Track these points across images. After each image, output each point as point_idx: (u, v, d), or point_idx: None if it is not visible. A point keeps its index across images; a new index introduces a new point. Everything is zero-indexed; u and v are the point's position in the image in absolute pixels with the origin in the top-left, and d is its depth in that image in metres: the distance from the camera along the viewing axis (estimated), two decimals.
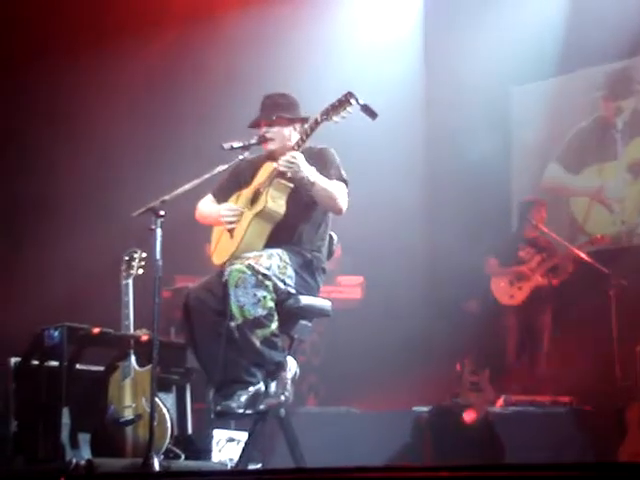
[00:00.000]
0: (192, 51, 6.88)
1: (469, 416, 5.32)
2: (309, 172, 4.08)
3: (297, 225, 4.19)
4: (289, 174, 4.08)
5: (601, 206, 7.24)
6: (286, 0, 6.83)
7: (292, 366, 4.10)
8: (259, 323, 3.96)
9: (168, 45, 6.68)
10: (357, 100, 3.99)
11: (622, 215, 7.12)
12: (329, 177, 4.16)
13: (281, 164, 4.08)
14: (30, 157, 6.63)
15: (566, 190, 7.44)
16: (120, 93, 6.73)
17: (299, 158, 4.07)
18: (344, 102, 3.99)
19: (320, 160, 4.19)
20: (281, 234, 4.14)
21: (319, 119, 4.07)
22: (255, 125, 4.33)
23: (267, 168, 4.22)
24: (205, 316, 4.08)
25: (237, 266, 3.98)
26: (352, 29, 7.05)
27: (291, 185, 4.15)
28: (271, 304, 3.98)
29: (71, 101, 6.67)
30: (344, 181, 4.21)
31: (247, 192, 4.25)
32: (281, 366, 4.05)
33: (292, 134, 4.25)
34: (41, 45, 6.56)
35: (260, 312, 3.95)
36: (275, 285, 4.01)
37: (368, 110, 4.01)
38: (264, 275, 3.97)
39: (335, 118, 4.02)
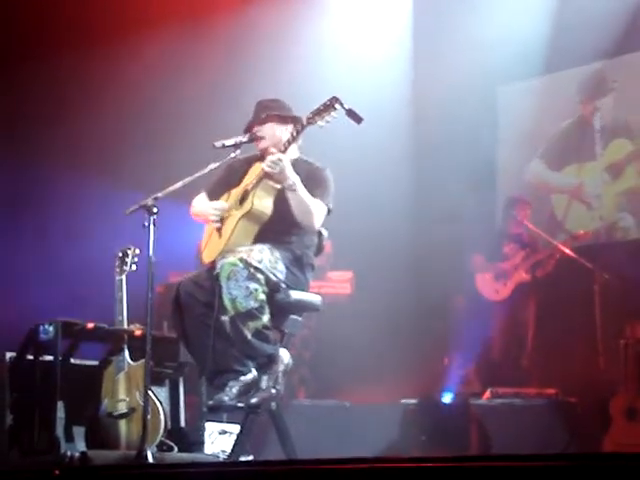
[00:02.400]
0: (184, 53, 6.90)
1: (448, 398, 5.39)
2: (293, 177, 4.10)
3: (286, 224, 4.22)
4: (274, 175, 4.12)
5: (580, 203, 7.33)
6: (274, 5, 6.86)
7: (284, 357, 4.15)
8: (251, 315, 4.01)
9: (162, 46, 6.70)
10: (342, 105, 4.04)
11: (600, 211, 7.22)
12: (313, 196, 4.18)
13: (266, 164, 4.11)
14: (27, 154, 6.66)
15: (547, 187, 7.52)
16: (111, 93, 6.75)
17: (284, 160, 4.10)
18: (329, 107, 4.05)
19: (311, 177, 4.22)
20: (270, 233, 4.19)
21: (305, 123, 4.12)
22: (248, 129, 4.37)
23: (256, 168, 4.26)
24: (194, 308, 4.14)
25: (229, 259, 4.04)
26: (341, 33, 7.08)
27: (278, 186, 4.18)
28: (263, 297, 4.03)
29: (66, 102, 6.70)
30: (327, 207, 4.22)
31: (236, 192, 4.30)
32: (272, 359, 4.10)
33: (283, 133, 4.29)
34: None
35: (252, 304, 4.00)
36: (267, 278, 4.06)
37: (353, 115, 4.07)
38: (256, 268, 4.02)
39: (320, 122, 4.08)
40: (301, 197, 4.13)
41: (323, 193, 4.22)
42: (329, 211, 4.24)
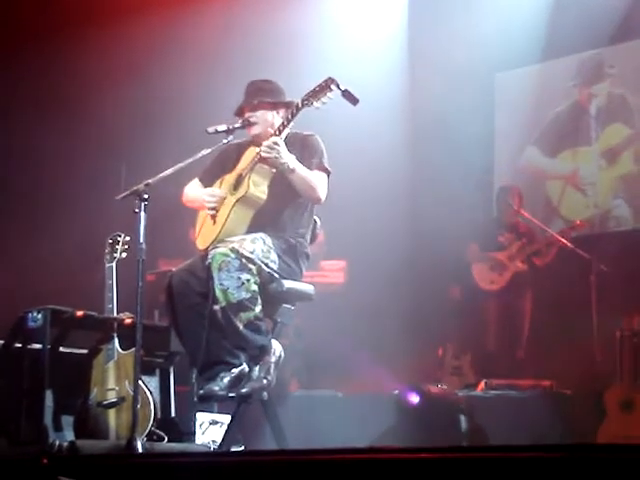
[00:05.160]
0: (177, 37, 6.86)
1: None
2: (289, 159, 4.09)
3: (280, 210, 4.20)
4: (271, 160, 4.09)
5: (575, 189, 7.31)
6: None
7: (277, 349, 4.12)
8: (243, 306, 3.98)
9: (154, 29, 6.65)
10: (338, 86, 4.00)
11: (595, 199, 7.20)
12: (310, 166, 4.17)
13: (262, 150, 4.09)
14: (16, 144, 6.63)
15: (542, 173, 7.50)
16: (104, 76, 6.71)
17: (280, 144, 4.08)
18: (324, 87, 4.01)
19: (304, 147, 4.22)
20: (264, 219, 4.16)
21: (300, 105, 4.09)
22: (239, 112, 4.34)
23: (250, 153, 4.23)
24: (188, 298, 4.11)
25: (221, 249, 4.00)
26: (339, 21, 7.05)
27: (273, 171, 4.16)
28: (255, 287, 4.00)
29: (57, 89, 6.65)
30: (326, 171, 4.22)
31: (230, 177, 4.27)
32: (265, 350, 4.07)
33: (275, 118, 4.27)
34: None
35: (244, 295, 3.97)
36: (259, 268, 4.03)
37: (349, 95, 4.02)
38: (248, 258, 3.99)
39: (316, 104, 4.05)
40: (301, 175, 4.13)
41: (320, 158, 4.23)
42: (329, 174, 4.23)
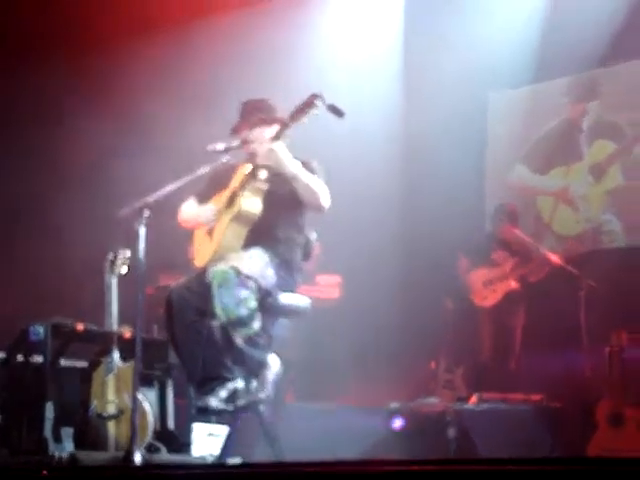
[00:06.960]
0: (175, 56, 6.93)
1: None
2: (291, 163, 4.14)
3: (274, 225, 4.26)
4: (271, 164, 4.14)
5: (566, 205, 7.37)
6: (266, 12, 6.88)
7: (274, 364, 4.19)
8: (242, 323, 4.04)
9: (154, 51, 6.71)
10: (323, 101, 4.05)
11: (587, 214, 7.26)
12: None
13: (261, 156, 4.15)
14: (22, 155, 6.66)
15: (532, 190, 7.55)
16: (105, 97, 6.76)
17: (276, 148, 4.12)
18: (309, 104, 4.06)
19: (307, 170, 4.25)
20: (259, 235, 4.22)
21: (287, 122, 4.15)
22: (236, 130, 4.40)
23: (242, 170, 4.30)
24: (187, 315, 4.15)
25: (221, 267, 4.06)
26: (333, 42, 7.11)
27: (265, 187, 4.22)
28: (254, 304, 4.06)
29: (63, 103, 6.70)
30: None
31: (224, 195, 4.32)
32: (263, 364, 4.14)
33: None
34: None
35: (243, 312, 4.03)
36: (258, 285, 4.09)
37: (335, 110, 4.06)
38: (246, 276, 4.05)
39: (303, 119, 4.09)
40: (304, 181, 4.16)
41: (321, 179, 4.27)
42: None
